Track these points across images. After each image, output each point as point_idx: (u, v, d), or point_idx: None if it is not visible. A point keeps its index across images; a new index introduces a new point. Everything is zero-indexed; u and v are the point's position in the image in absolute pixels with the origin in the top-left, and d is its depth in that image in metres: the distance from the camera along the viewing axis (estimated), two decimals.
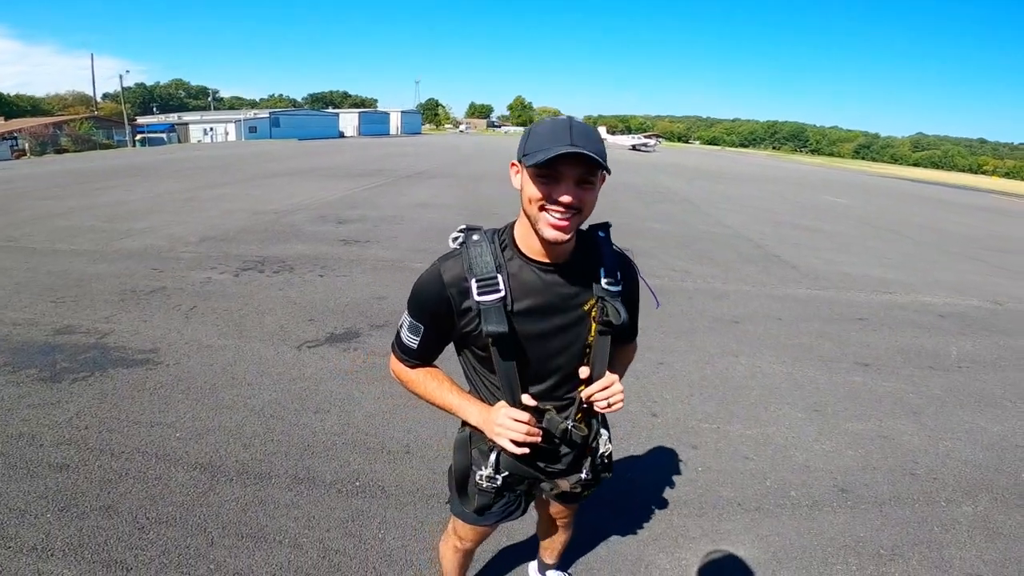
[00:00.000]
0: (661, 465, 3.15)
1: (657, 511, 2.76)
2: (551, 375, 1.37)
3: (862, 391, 4.27)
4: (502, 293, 1.25)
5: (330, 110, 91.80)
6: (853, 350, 5.11)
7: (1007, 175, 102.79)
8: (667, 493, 2.91)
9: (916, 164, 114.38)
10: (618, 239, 1.42)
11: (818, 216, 14.66)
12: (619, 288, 1.34)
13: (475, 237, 1.30)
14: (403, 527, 2.54)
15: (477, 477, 1.45)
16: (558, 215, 1.17)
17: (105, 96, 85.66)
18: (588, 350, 1.36)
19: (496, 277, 1.26)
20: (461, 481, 1.51)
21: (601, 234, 1.39)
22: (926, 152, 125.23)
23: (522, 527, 2.48)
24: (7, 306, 5.09)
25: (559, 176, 1.16)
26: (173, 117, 64.65)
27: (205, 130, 56.33)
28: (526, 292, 1.28)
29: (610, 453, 1.54)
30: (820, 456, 3.33)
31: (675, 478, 3.03)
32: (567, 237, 1.20)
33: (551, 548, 2.05)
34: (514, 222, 1.34)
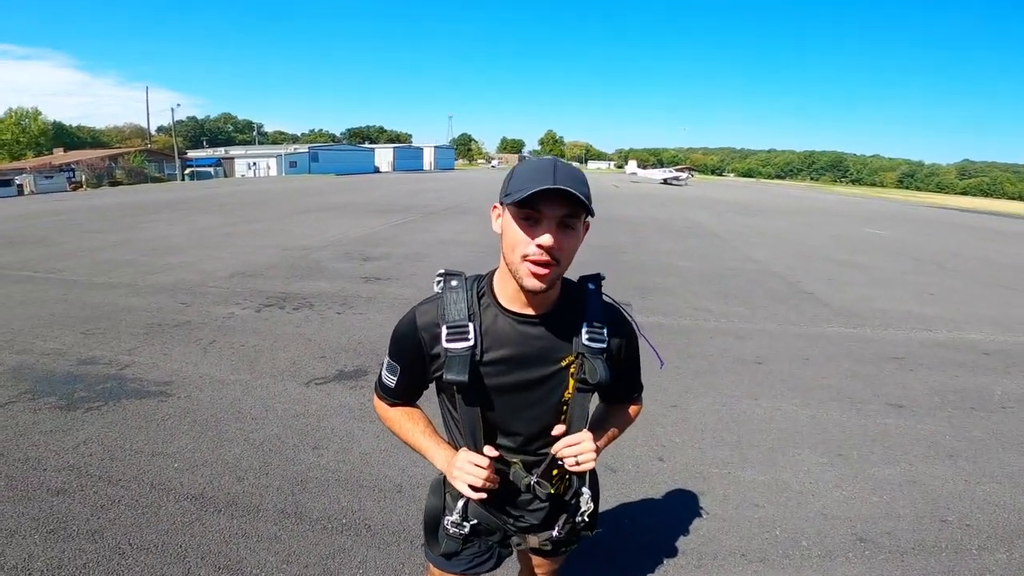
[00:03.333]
0: (662, 511, 3.02)
1: (651, 560, 2.62)
2: (522, 428, 1.34)
3: (893, 434, 4.03)
4: (471, 342, 1.24)
5: (366, 145, 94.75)
6: (886, 391, 4.85)
7: None
8: (665, 541, 2.76)
9: (964, 192, 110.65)
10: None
11: (855, 249, 14.19)
12: (603, 344, 1.29)
13: (453, 283, 1.29)
14: (383, 568, 2.49)
15: (446, 522, 1.44)
16: (537, 262, 1.14)
17: (159, 129, 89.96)
18: (565, 407, 1.32)
19: (467, 325, 1.25)
20: (431, 524, 1.51)
21: (591, 286, 1.34)
22: (974, 179, 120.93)
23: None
24: (39, 336, 5.32)
25: (540, 217, 1.13)
26: (220, 151, 67.45)
27: (249, 164, 58.73)
28: (498, 342, 1.26)
29: (592, 512, 1.48)
30: (839, 503, 3.13)
31: (675, 525, 2.89)
32: (545, 287, 1.17)
33: None
34: (495, 270, 1.32)
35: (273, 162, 58.66)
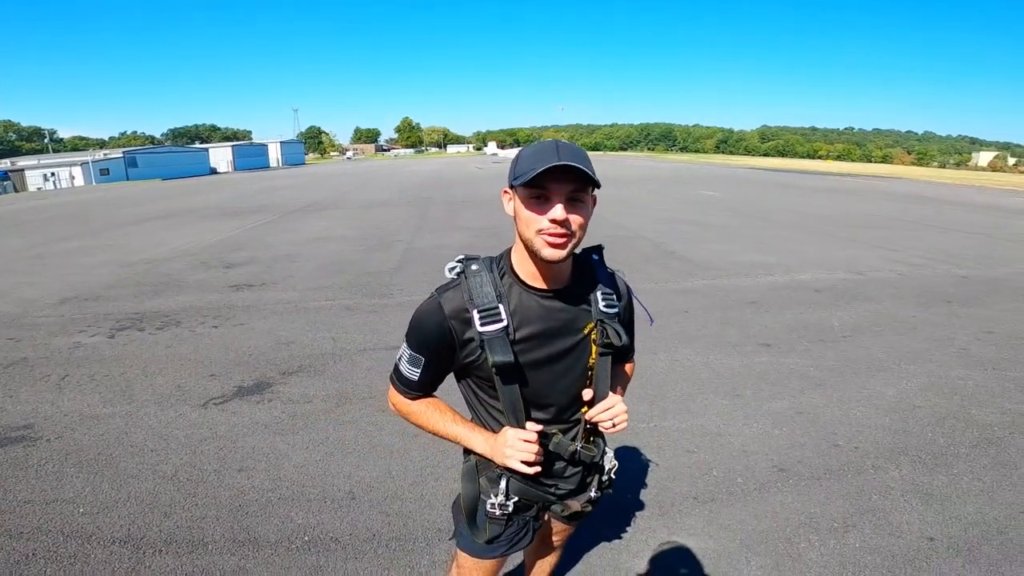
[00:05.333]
0: None
1: (619, 517, 2.76)
2: (555, 399, 1.39)
3: (770, 371, 4.57)
4: (504, 323, 1.26)
5: (197, 145, 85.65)
6: (754, 332, 5.49)
7: (839, 158, 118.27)
8: (624, 498, 2.92)
9: (765, 154, 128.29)
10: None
11: (699, 210, 15.81)
12: (617, 310, 1.38)
13: (474, 267, 1.30)
14: None
15: (488, 505, 1.43)
16: (553, 234, 1.17)
17: None
18: (590, 372, 1.38)
19: (498, 307, 1.26)
20: (471, 511, 1.48)
21: (595, 257, 1.42)
22: (772, 142, 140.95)
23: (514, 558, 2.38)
24: None
25: (549, 194, 1.17)
26: (5, 163, 56.93)
27: (46, 176, 50.16)
28: (527, 320, 1.29)
29: (616, 469, 1.58)
30: (752, 439, 3.50)
31: (629, 481, 3.06)
32: (564, 255, 1.20)
33: (541, 572, 2.00)
34: (509, 249, 1.35)
35: (78, 171, 50.67)
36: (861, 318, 5.97)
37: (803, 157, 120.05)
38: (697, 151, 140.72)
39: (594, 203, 1.27)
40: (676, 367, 4.65)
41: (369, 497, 2.91)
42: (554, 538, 1.82)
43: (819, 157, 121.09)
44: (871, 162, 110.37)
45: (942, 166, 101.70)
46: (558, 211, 1.15)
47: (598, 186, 1.21)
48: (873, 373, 4.54)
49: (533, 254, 1.22)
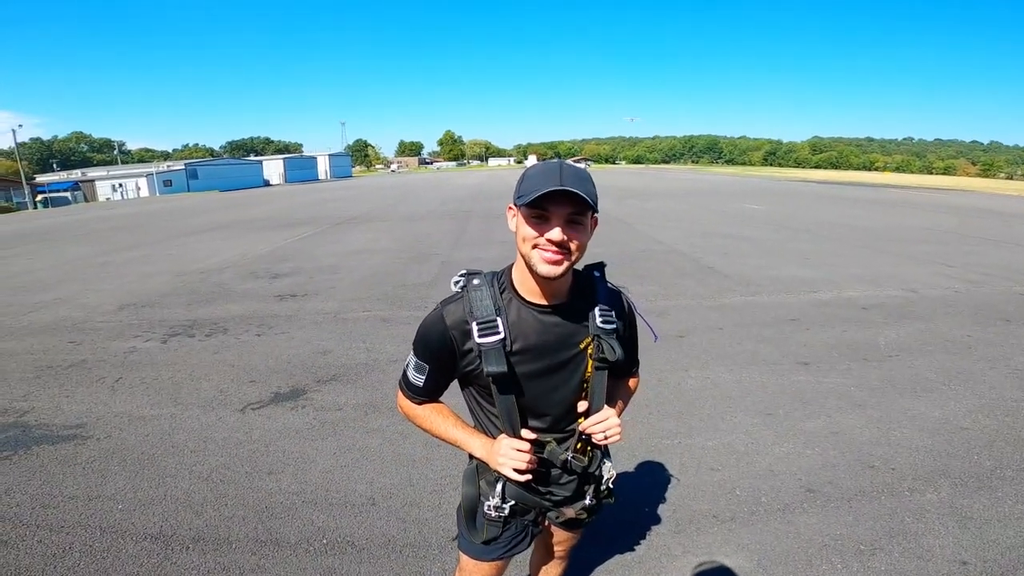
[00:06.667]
0: (631, 486, 3.15)
1: (635, 533, 2.74)
2: (551, 409, 1.43)
3: (807, 390, 4.43)
4: (501, 335, 1.32)
5: (252, 158, 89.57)
6: (792, 350, 5.33)
7: (896, 169, 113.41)
8: (642, 514, 2.90)
9: (817, 166, 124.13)
10: None
11: (741, 224, 15.44)
12: (614, 326, 1.41)
13: (475, 281, 1.37)
14: None
15: (485, 507, 1.49)
16: (550, 252, 1.23)
17: None
18: (586, 385, 1.42)
19: (496, 320, 1.32)
20: (470, 512, 1.54)
21: (596, 274, 1.47)
22: (824, 154, 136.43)
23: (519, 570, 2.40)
24: None
25: (549, 215, 1.22)
26: (76, 174, 60.93)
27: (114, 186, 53.53)
28: (524, 333, 1.34)
29: (614, 480, 1.60)
30: (782, 459, 3.41)
31: (647, 498, 3.03)
32: (560, 271, 1.25)
33: None
34: (511, 265, 1.40)
35: (143, 182, 53.79)
36: (910, 337, 5.71)
37: (858, 169, 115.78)
38: (744, 163, 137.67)
39: (595, 225, 1.32)
40: (707, 384, 4.56)
41: (388, 504, 2.99)
42: (557, 547, 1.85)
43: (875, 169, 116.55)
44: (931, 174, 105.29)
45: (1009, 177, 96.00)
46: (556, 233, 1.21)
47: (596, 210, 1.26)
48: (919, 394, 4.34)
49: (531, 269, 1.28)
